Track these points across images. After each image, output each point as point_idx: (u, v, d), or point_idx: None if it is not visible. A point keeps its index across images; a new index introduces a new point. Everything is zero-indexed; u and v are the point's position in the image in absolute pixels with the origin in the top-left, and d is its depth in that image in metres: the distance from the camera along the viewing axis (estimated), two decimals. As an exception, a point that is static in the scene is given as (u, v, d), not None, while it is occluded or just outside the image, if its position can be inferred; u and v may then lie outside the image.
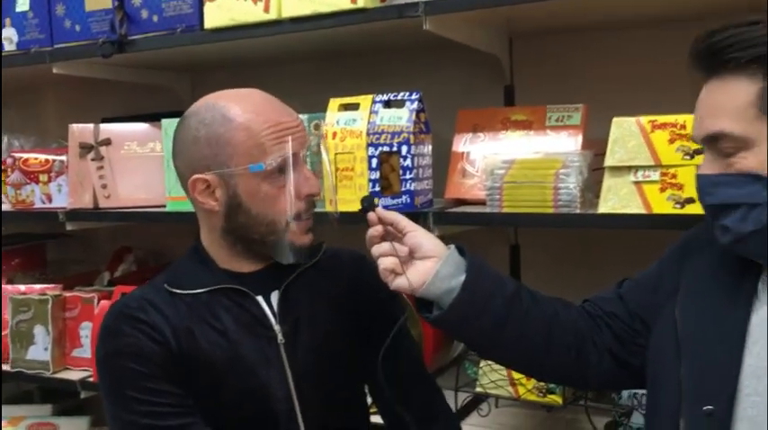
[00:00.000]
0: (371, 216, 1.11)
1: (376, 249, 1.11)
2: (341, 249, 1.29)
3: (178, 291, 1.14)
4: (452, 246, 1.12)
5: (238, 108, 1.09)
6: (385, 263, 1.09)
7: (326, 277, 1.23)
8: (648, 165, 1.31)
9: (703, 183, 0.95)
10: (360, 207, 1.12)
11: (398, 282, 1.09)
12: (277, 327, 1.15)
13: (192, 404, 1.11)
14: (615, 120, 1.34)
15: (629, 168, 1.33)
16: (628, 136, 1.32)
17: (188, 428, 1.09)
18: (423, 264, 1.08)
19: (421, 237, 1.10)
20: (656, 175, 1.30)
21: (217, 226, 1.14)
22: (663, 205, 1.30)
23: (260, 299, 1.16)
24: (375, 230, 1.11)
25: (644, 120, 1.32)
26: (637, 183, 1.32)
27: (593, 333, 1.14)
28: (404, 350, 1.26)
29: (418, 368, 1.32)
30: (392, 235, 1.11)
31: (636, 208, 1.32)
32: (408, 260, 1.10)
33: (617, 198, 1.34)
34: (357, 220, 1.14)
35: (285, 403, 1.14)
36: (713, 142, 0.92)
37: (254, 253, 1.16)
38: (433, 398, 1.31)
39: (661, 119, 1.31)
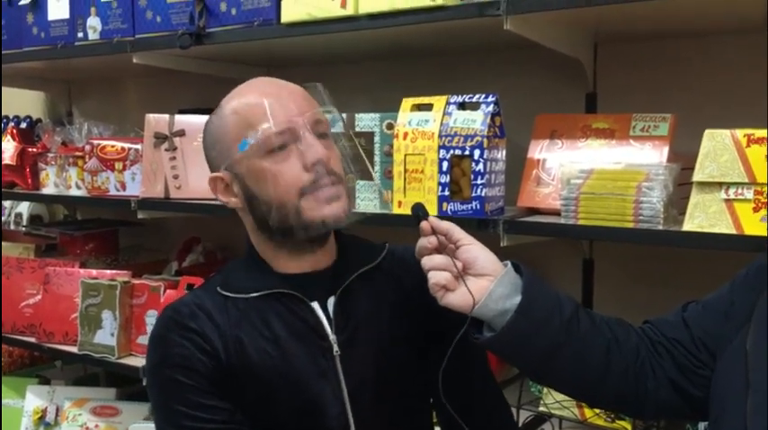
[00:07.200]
0: (424, 225, 1.04)
1: (427, 261, 1.03)
2: (402, 246, 1.21)
3: (231, 294, 1.10)
4: (508, 264, 1.05)
5: (230, 97, 1.10)
6: (436, 277, 1.02)
7: (388, 279, 1.16)
8: (742, 182, 1.21)
9: None
10: (411, 214, 1.06)
11: (449, 300, 1.03)
12: (333, 337, 1.08)
13: (241, 420, 1.05)
14: (707, 132, 1.25)
15: (719, 185, 1.23)
16: (721, 150, 1.23)
17: None
18: (476, 281, 1.02)
19: (477, 252, 1.04)
20: (749, 194, 1.21)
21: (252, 225, 1.11)
22: (756, 226, 1.21)
23: (315, 305, 1.09)
24: (428, 241, 1.04)
25: (739, 133, 1.22)
26: (728, 200, 1.23)
27: (652, 359, 1.06)
28: (468, 358, 1.16)
29: (483, 380, 1.22)
30: (444, 246, 1.04)
31: (725, 227, 1.23)
32: (461, 275, 1.03)
33: (704, 216, 1.25)
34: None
35: (339, 420, 1.07)
36: None
37: (294, 246, 1.08)
38: (498, 413, 1.23)
39: (759, 133, 1.21)
